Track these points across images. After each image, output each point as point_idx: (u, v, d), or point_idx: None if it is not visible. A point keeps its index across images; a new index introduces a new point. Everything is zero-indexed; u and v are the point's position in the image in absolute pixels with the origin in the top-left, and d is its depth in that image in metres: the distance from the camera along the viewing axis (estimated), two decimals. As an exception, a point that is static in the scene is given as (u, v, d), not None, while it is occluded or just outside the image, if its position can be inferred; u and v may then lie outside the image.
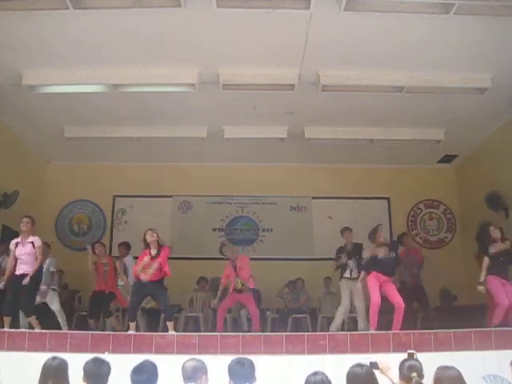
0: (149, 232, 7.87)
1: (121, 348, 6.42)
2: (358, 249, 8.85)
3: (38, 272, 7.71)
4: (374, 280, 7.82)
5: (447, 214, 13.50)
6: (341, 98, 9.34)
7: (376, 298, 7.61)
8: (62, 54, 8.10)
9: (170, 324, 7.61)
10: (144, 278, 7.62)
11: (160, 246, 7.85)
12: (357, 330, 8.01)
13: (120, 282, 9.46)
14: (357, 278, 8.50)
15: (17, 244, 7.74)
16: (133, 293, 8.06)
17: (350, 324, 9.29)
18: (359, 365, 3.69)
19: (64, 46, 7.87)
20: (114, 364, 3.93)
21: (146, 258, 7.69)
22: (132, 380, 3.75)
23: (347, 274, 8.90)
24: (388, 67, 8.54)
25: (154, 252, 7.77)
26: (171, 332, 7.39)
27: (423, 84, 8.78)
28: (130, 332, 7.43)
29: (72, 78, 8.59)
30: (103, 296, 9.08)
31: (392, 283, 7.90)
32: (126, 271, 9.53)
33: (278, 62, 8.41)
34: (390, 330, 7.29)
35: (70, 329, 8.61)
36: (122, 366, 4.05)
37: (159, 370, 3.88)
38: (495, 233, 8.01)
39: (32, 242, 7.71)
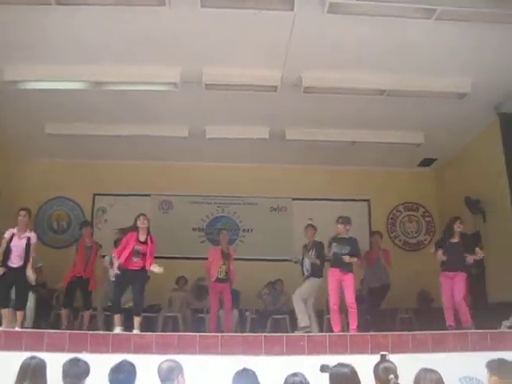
0: (141, 218, 7.79)
1: (99, 348, 6.36)
2: (318, 247, 8.88)
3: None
4: (331, 276, 7.93)
5: (426, 217, 13.62)
6: (323, 100, 9.37)
7: (335, 298, 7.80)
8: (44, 50, 8.02)
9: (136, 320, 7.53)
10: (127, 266, 7.62)
11: (149, 234, 7.80)
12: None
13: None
14: (308, 277, 8.72)
15: (12, 235, 7.67)
16: (116, 282, 8.02)
17: (329, 326, 9.32)
18: (343, 365, 3.68)
19: (46, 42, 7.80)
20: (92, 364, 3.91)
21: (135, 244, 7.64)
22: (110, 380, 3.74)
23: (306, 273, 8.98)
24: (370, 70, 8.60)
25: (142, 238, 7.69)
26: (136, 331, 7.33)
27: (404, 88, 8.86)
28: (117, 328, 7.41)
29: (54, 74, 8.51)
30: (81, 282, 9.00)
31: (351, 278, 7.89)
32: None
33: (261, 63, 8.42)
34: (367, 331, 7.35)
35: (47, 328, 8.52)
36: (100, 365, 4.01)
37: (137, 370, 3.86)
38: (458, 227, 8.20)
39: (29, 237, 7.69)
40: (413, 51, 8.06)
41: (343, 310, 7.98)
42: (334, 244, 8.06)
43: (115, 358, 3.99)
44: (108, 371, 3.79)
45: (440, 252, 8.24)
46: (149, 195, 12.87)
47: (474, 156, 11.30)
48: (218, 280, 9.21)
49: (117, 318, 7.62)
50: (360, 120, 10.38)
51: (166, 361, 3.99)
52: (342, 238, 8.12)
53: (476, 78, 8.81)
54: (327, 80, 8.74)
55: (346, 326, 8.01)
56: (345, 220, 8.19)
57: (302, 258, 9.08)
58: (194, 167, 12.80)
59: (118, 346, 6.45)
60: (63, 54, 8.10)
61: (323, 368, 4.18)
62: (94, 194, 12.96)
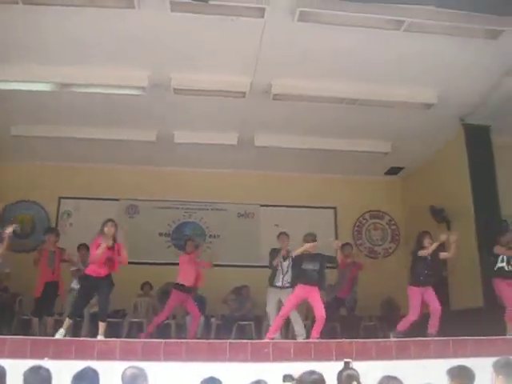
0: (109, 224, 7.68)
1: (62, 354, 6.25)
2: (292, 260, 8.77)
3: None
4: (297, 291, 7.94)
5: (392, 225, 13.76)
6: (292, 107, 9.42)
7: (287, 311, 7.89)
8: (10, 50, 7.88)
9: (102, 325, 7.41)
10: (95, 274, 7.48)
11: (115, 240, 7.69)
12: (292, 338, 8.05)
13: None
14: (288, 287, 8.56)
15: None
16: (83, 288, 7.89)
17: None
18: (312, 372, 3.66)
19: (12, 42, 7.68)
20: (54, 371, 3.84)
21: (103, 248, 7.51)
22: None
23: (278, 283, 8.87)
24: (339, 79, 8.69)
25: (110, 243, 7.57)
26: (100, 337, 7.22)
27: (372, 97, 8.96)
28: (60, 331, 7.29)
29: (20, 75, 8.37)
30: (52, 287, 8.89)
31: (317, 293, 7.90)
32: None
33: (231, 69, 8.44)
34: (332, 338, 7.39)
35: (9, 334, 8.34)
36: (62, 372, 3.94)
37: (101, 377, 3.80)
38: (427, 242, 8.24)
39: None
40: (381, 61, 8.18)
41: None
42: (304, 262, 8.04)
43: (78, 365, 3.92)
44: (70, 378, 3.72)
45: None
46: (115, 199, 12.73)
47: (440, 165, 11.49)
48: (185, 289, 9.14)
49: (67, 322, 7.48)
50: (328, 128, 10.46)
51: (129, 368, 3.94)
52: (310, 254, 8.09)
53: (442, 90, 8.99)
54: (297, 88, 8.80)
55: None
56: (312, 236, 8.19)
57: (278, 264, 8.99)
58: (161, 172, 12.72)
59: (81, 353, 6.34)
60: (30, 55, 8.00)
61: (286, 378, 4.19)
62: (60, 197, 12.76)
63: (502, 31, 7.27)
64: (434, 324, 7.82)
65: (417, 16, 6.87)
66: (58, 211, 12.72)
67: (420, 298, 7.97)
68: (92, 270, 7.55)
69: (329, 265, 8.48)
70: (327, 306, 8.76)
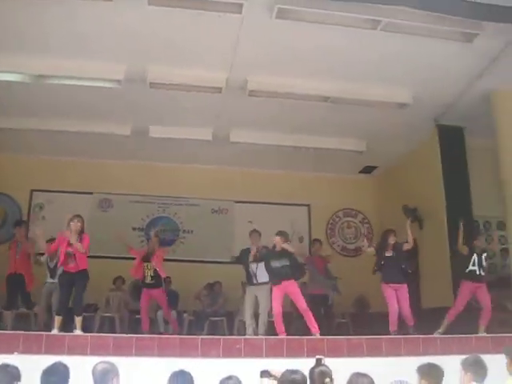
0: (75, 220, 7.59)
1: (31, 348, 6.18)
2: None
3: None
4: (275, 289, 7.86)
5: (365, 224, 13.88)
6: (267, 103, 9.42)
7: (277, 308, 7.69)
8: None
9: (78, 320, 7.36)
10: (66, 268, 7.44)
11: (80, 235, 7.62)
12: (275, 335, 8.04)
13: None
14: (264, 284, 8.48)
15: None
16: (61, 285, 7.83)
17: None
18: (294, 371, 3.65)
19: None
20: (23, 365, 3.79)
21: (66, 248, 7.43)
22: (42, 382, 3.62)
23: (253, 281, 8.71)
24: (315, 77, 8.72)
25: (73, 240, 7.51)
26: (78, 331, 7.16)
27: (348, 96, 9.03)
28: (55, 330, 7.15)
29: (-7, 65, 8.25)
30: (17, 280, 8.73)
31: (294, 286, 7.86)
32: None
33: (207, 65, 8.41)
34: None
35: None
36: (32, 367, 3.89)
37: (71, 372, 3.76)
38: (392, 240, 8.33)
39: None
40: (358, 61, 8.25)
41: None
42: (272, 261, 7.99)
43: (49, 360, 3.87)
44: (40, 373, 3.67)
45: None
46: (88, 193, 12.61)
47: (414, 165, 11.61)
48: (146, 286, 9.09)
49: (58, 319, 7.39)
50: (304, 125, 10.50)
51: (100, 363, 3.91)
52: (277, 252, 8.03)
53: (417, 90, 9.09)
54: (273, 85, 8.81)
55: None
56: (284, 235, 8.17)
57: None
58: (135, 166, 12.64)
59: (51, 347, 6.28)
60: (3, 45, 7.83)
61: (263, 374, 4.18)
62: (32, 190, 12.59)
63: (476, 35, 7.38)
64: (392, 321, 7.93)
65: (393, 16, 6.94)
66: (30, 204, 12.56)
67: (394, 294, 8.04)
68: (64, 265, 7.51)
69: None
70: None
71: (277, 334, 7.56)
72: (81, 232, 7.65)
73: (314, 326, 7.55)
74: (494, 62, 8.19)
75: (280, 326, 7.66)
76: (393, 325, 7.93)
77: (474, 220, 10.29)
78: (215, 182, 12.83)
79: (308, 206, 13.52)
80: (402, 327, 7.97)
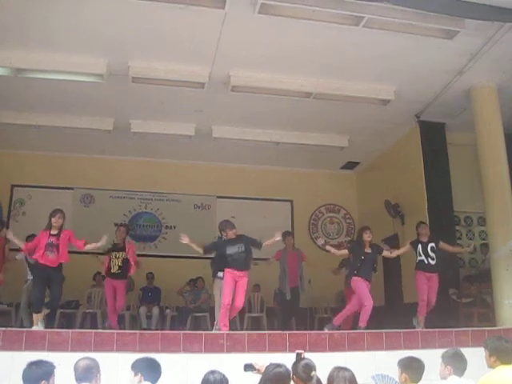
0: (57, 215, 7.41)
1: (11, 345, 6.13)
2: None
3: None
4: (227, 277, 7.67)
5: (347, 219, 13.95)
6: (250, 99, 9.42)
7: (227, 300, 7.50)
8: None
9: (39, 316, 7.20)
10: (44, 261, 7.23)
11: (61, 230, 7.48)
12: (256, 329, 8.05)
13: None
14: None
15: None
16: (35, 279, 7.69)
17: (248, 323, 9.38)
18: (279, 365, 3.65)
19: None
20: (3, 362, 3.77)
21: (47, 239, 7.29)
22: (24, 378, 3.59)
23: (220, 274, 8.34)
24: (297, 72, 8.74)
25: (54, 232, 7.39)
26: (37, 327, 7.05)
27: (330, 91, 9.06)
28: (35, 327, 7.02)
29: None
30: None
31: (246, 280, 7.71)
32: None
33: (190, 59, 8.38)
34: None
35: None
36: (12, 364, 3.87)
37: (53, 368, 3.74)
38: (367, 236, 8.26)
39: None
40: (340, 56, 8.27)
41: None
42: (229, 246, 7.81)
43: (30, 356, 3.85)
44: (21, 370, 3.64)
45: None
46: (69, 188, 12.53)
47: (395, 161, 11.69)
48: (111, 276, 8.87)
49: (35, 317, 7.30)
50: (287, 121, 10.53)
51: (82, 359, 3.89)
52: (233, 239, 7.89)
53: (399, 86, 9.16)
54: (255, 80, 8.81)
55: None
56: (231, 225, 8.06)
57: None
58: (117, 161, 12.59)
59: (31, 344, 6.23)
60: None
61: (247, 367, 4.18)
62: (12, 185, 12.47)
63: (457, 32, 7.44)
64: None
65: (375, 13, 6.96)
66: (10, 199, 12.43)
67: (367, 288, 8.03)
68: (42, 259, 7.36)
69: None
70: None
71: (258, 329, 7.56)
72: (61, 227, 7.53)
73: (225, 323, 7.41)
74: (474, 58, 8.27)
75: (224, 318, 7.47)
76: (364, 321, 7.82)
77: (454, 215, 10.43)
78: (198, 177, 12.83)
79: (291, 201, 13.56)
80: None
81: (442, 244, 8.52)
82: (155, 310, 10.22)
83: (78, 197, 12.74)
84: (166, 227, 13.01)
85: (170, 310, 10.75)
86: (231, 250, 7.73)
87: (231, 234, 7.88)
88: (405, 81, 9.00)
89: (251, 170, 13.09)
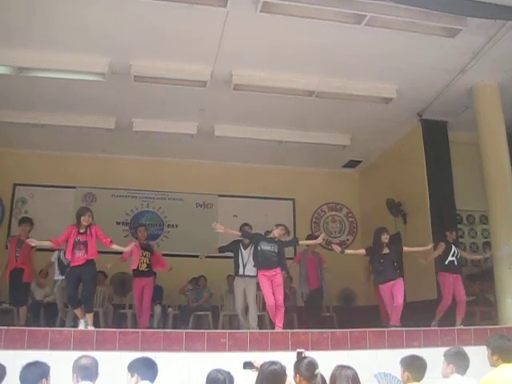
0: (87, 215, 7.34)
1: (13, 344, 6.13)
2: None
3: None
4: (262, 279, 7.77)
5: (349, 218, 13.94)
6: (252, 98, 9.41)
7: (270, 301, 7.61)
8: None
9: (89, 316, 7.16)
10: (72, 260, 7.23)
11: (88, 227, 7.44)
12: (264, 328, 8.02)
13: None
14: (252, 276, 8.43)
15: None
16: (67, 278, 7.69)
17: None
18: (274, 362, 3.64)
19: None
20: (5, 361, 3.77)
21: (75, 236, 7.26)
22: (22, 379, 3.59)
23: (240, 271, 8.66)
24: (300, 71, 8.73)
25: (82, 230, 7.31)
26: (90, 327, 6.98)
27: (332, 90, 9.06)
28: (82, 322, 7.08)
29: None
30: (17, 274, 8.50)
31: (280, 276, 7.82)
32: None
33: (192, 58, 8.37)
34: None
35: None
36: (14, 363, 3.86)
37: (54, 367, 3.74)
38: (384, 238, 8.21)
39: None
40: (343, 54, 8.26)
41: None
42: (263, 242, 7.96)
43: (32, 355, 3.85)
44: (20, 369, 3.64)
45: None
46: (71, 187, 12.53)
47: (397, 160, 11.67)
48: (140, 273, 8.93)
49: (77, 312, 7.28)
50: (289, 120, 10.52)
51: (81, 357, 3.89)
52: (270, 238, 8.05)
53: (401, 85, 9.15)
54: (257, 78, 8.80)
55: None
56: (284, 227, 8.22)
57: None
58: (119, 160, 12.59)
59: (34, 342, 6.24)
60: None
61: (246, 365, 4.18)
62: (15, 184, 12.47)
63: (459, 30, 7.43)
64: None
65: (378, 11, 6.95)
66: (12, 198, 12.44)
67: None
68: (71, 258, 7.31)
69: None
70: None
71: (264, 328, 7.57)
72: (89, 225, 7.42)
73: (280, 321, 7.52)
74: (476, 57, 8.26)
75: (273, 316, 7.64)
76: (395, 320, 7.79)
77: (457, 214, 10.42)
78: (200, 176, 12.82)
79: (293, 200, 13.55)
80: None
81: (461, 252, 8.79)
82: (157, 309, 10.19)
83: (80, 196, 12.72)
84: (168, 226, 13.02)
85: (172, 309, 10.74)
86: (264, 247, 7.89)
87: (276, 231, 8.02)
88: (407, 79, 8.99)
89: (253, 168, 13.08)
